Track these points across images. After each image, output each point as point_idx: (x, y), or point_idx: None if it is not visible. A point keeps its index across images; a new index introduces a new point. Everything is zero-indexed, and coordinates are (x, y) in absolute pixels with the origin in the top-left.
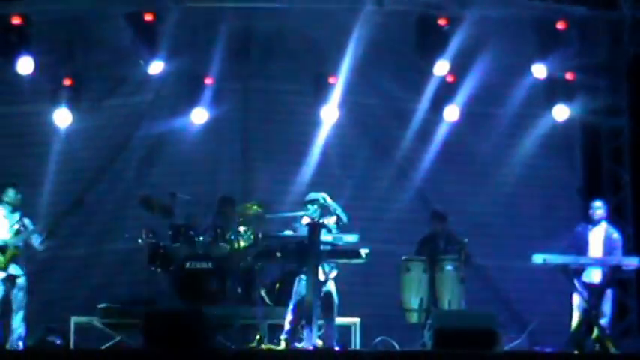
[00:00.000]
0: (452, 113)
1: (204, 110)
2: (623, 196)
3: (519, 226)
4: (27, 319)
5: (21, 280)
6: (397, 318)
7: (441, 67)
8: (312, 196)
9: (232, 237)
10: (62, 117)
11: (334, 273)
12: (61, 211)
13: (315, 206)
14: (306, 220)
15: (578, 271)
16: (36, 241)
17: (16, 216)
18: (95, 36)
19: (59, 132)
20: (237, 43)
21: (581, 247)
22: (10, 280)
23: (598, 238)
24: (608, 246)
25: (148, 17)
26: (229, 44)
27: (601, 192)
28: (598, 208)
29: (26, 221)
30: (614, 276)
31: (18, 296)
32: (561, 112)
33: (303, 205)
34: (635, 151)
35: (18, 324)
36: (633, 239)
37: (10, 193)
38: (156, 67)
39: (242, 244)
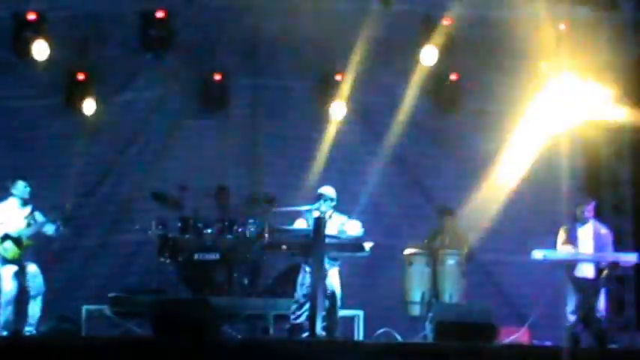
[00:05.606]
0: (455, 111)
1: (213, 106)
2: (623, 192)
3: (519, 221)
4: (43, 306)
5: (32, 268)
6: (399, 310)
7: (445, 66)
8: (322, 190)
9: (240, 229)
10: (75, 111)
11: (334, 269)
12: (71, 203)
13: (322, 200)
14: (317, 214)
15: (571, 266)
16: (49, 230)
17: (28, 208)
18: (108, 32)
19: (72, 126)
20: (247, 40)
21: (571, 245)
22: (21, 270)
23: (587, 235)
24: (598, 242)
25: (160, 14)
26: (239, 42)
27: (600, 188)
28: (589, 210)
29: (37, 214)
30: (612, 272)
31: (35, 282)
32: (563, 110)
33: (315, 198)
34: (635, 148)
35: (35, 310)
36: (632, 235)
37: (20, 186)
38: (167, 63)
39: (249, 236)
